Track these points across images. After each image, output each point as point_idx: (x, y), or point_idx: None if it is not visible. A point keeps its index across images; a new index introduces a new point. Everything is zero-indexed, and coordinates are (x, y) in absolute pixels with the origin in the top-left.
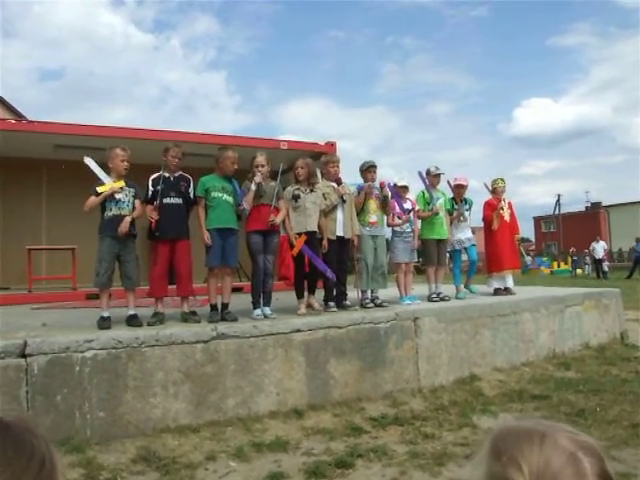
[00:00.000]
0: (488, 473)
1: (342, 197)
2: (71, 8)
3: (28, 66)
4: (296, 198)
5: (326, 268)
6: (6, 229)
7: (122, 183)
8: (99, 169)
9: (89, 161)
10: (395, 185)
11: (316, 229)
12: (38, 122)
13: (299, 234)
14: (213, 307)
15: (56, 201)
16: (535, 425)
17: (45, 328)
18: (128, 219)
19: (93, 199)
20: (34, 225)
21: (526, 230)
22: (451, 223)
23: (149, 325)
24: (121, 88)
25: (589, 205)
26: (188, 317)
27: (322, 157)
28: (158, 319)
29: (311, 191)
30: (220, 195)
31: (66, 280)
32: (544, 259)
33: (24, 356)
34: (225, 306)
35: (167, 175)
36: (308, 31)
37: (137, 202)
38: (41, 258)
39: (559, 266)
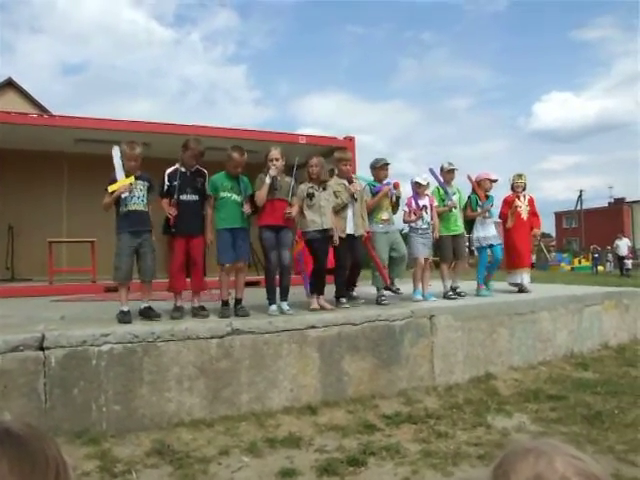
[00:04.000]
0: None
1: (353, 195)
2: (94, 4)
3: (53, 61)
4: (310, 196)
5: (307, 283)
6: (29, 222)
7: (132, 179)
8: (120, 164)
9: (115, 153)
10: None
11: (331, 226)
12: (59, 116)
13: (306, 234)
14: (225, 303)
15: (76, 194)
16: (540, 445)
17: (63, 321)
18: (127, 184)
19: (107, 199)
20: (55, 218)
21: (547, 226)
22: (473, 220)
23: (173, 319)
24: (142, 82)
25: (612, 201)
26: (197, 312)
27: (335, 153)
28: (181, 313)
29: (323, 189)
30: (229, 195)
31: (86, 273)
32: (565, 255)
33: (42, 349)
34: (238, 301)
35: (184, 170)
36: (327, 25)
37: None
38: (62, 250)
39: (580, 263)
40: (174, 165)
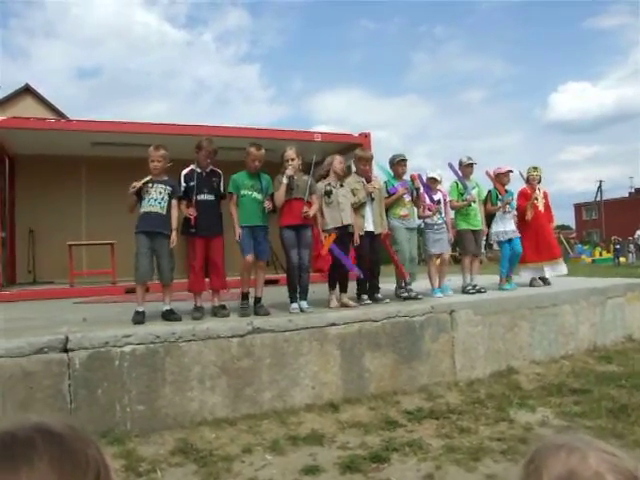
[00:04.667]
0: None
1: (371, 194)
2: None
3: (68, 65)
4: (329, 194)
5: (354, 267)
6: (49, 225)
7: (147, 178)
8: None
9: None
10: (426, 177)
11: (351, 222)
12: (76, 120)
13: (329, 231)
14: (244, 296)
15: (95, 197)
16: (572, 440)
17: (86, 323)
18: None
19: (128, 199)
20: (74, 221)
21: (566, 217)
22: (493, 215)
23: (194, 319)
24: (156, 84)
25: (632, 191)
26: (217, 311)
27: (356, 151)
28: (202, 313)
29: (341, 186)
30: (249, 193)
31: (106, 275)
32: (585, 247)
33: (66, 351)
34: (258, 300)
35: (199, 171)
36: (339, 21)
37: (174, 202)
38: (82, 253)
39: (601, 255)
40: (189, 166)
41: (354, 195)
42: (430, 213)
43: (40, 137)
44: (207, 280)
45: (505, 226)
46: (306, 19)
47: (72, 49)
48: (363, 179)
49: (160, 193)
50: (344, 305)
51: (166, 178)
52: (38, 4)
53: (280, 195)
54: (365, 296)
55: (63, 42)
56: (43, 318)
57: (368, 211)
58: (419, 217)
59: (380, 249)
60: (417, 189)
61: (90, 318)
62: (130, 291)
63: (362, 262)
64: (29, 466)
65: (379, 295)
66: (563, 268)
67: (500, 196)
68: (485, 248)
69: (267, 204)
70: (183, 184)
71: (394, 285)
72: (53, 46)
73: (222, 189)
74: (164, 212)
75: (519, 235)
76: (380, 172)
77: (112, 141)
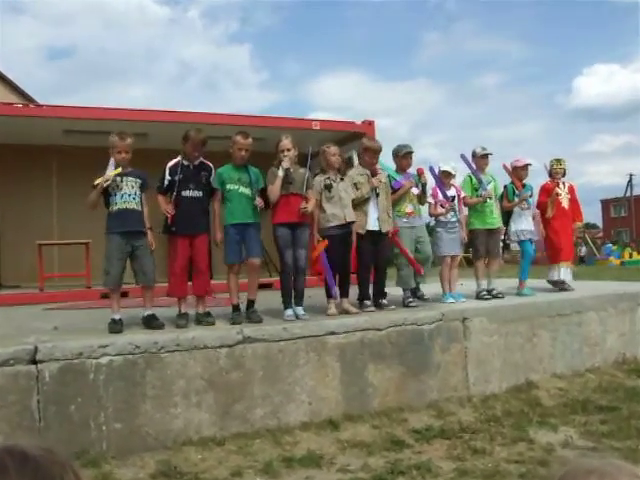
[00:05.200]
0: None
1: (376, 189)
2: None
3: (36, 44)
4: (329, 188)
5: (333, 284)
6: (15, 223)
7: (118, 170)
8: (112, 160)
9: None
10: (439, 170)
11: (355, 219)
12: (47, 106)
13: (325, 231)
14: (235, 307)
15: (68, 191)
16: (602, 465)
17: (57, 331)
18: (111, 174)
19: (91, 195)
20: (44, 218)
21: (592, 215)
22: (510, 212)
23: (179, 327)
24: (136, 65)
25: None
26: (202, 319)
27: (363, 140)
28: (187, 320)
29: (341, 179)
30: (236, 187)
31: (80, 278)
32: (613, 248)
33: (35, 362)
34: (251, 304)
35: (186, 163)
36: None
37: (144, 196)
38: (53, 254)
39: (631, 256)
40: (176, 158)
41: (357, 189)
42: (443, 210)
43: (6, 124)
44: (190, 284)
45: (525, 224)
46: None
47: (41, 26)
48: (368, 172)
49: (132, 187)
50: (345, 312)
51: (132, 169)
52: None
53: (275, 189)
54: (368, 302)
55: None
56: (9, 326)
57: (372, 207)
58: (431, 215)
59: (386, 251)
60: (424, 184)
61: (62, 326)
62: (106, 296)
63: (362, 266)
64: None
65: (384, 301)
66: (570, 275)
67: (517, 191)
68: (503, 249)
69: (259, 202)
70: (168, 177)
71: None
72: (20, 23)
73: (213, 184)
74: (140, 208)
75: (537, 236)
76: (380, 166)
77: (87, 129)
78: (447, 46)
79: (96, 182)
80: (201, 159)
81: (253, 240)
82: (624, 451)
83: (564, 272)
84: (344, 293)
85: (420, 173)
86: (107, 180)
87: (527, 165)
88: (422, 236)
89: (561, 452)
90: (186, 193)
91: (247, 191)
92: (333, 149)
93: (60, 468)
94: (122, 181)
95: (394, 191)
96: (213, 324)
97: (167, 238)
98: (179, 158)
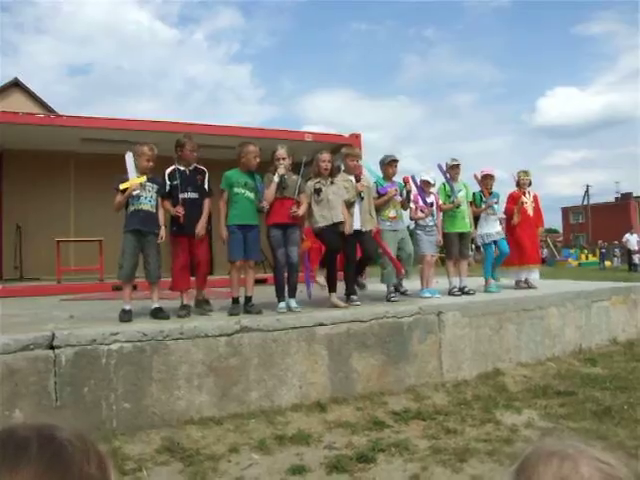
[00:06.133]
0: None
1: (360, 193)
2: (99, 6)
3: (58, 62)
4: (318, 192)
5: (309, 284)
6: (36, 221)
7: (143, 179)
8: (133, 166)
9: (128, 156)
10: (420, 180)
11: (342, 219)
12: (66, 116)
13: (317, 230)
14: (235, 300)
15: (83, 193)
16: (564, 447)
17: (73, 320)
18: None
19: (119, 198)
20: (62, 217)
21: (553, 221)
22: (477, 217)
23: (179, 317)
24: (147, 82)
25: (619, 196)
26: (200, 305)
27: (343, 149)
28: (188, 311)
29: (331, 183)
30: (242, 191)
31: (93, 272)
32: (572, 251)
33: (52, 348)
34: (249, 299)
35: (182, 169)
36: (331, 23)
37: (159, 199)
38: (69, 250)
39: (587, 258)
40: (172, 165)
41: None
42: (423, 215)
43: (29, 132)
44: (192, 279)
45: (489, 228)
46: (298, 20)
47: (63, 46)
48: (352, 177)
49: (149, 191)
50: (333, 305)
51: (153, 176)
52: (29, 1)
53: (270, 193)
54: (355, 297)
55: (54, 39)
56: (29, 315)
57: (356, 210)
58: (411, 219)
59: (372, 245)
60: (408, 192)
61: (77, 315)
62: (117, 288)
63: (350, 260)
64: (13, 469)
65: (362, 279)
66: (537, 275)
67: (484, 198)
68: (472, 250)
69: (265, 204)
70: (167, 182)
71: (383, 286)
72: (43, 43)
73: (207, 187)
74: (154, 210)
75: (504, 236)
76: (369, 174)
77: (102, 137)
78: (425, 68)
79: (122, 187)
80: (195, 164)
81: (253, 242)
82: (580, 431)
83: (531, 273)
84: (333, 288)
85: (406, 181)
86: (135, 190)
87: (489, 175)
88: (404, 237)
89: (524, 432)
90: (185, 195)
91: (252, 196)
92: (324, 156)
93: (83, 456)
94: (144, 185)
95: (380, 196)
96: (211, 311)
97: (170, 238)
98: (175, 165)
